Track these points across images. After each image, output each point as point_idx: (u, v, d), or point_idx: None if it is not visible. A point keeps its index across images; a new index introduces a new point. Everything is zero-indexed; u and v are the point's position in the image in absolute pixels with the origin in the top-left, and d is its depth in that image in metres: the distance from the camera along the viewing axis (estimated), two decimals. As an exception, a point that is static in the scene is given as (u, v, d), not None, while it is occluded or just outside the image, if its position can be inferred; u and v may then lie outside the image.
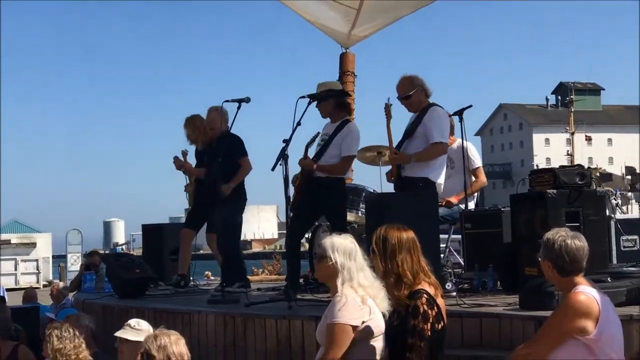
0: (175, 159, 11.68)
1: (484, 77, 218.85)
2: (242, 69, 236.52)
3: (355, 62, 16.67)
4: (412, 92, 9.29)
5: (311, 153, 10.03)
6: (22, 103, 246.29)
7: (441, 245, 9.62)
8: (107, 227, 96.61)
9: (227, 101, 9.94)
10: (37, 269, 50.83)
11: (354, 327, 5.87)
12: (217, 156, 9.99)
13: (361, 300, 5.89)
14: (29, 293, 15.48)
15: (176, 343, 6.07)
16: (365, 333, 5.92)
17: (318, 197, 9.71)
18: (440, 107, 9.39)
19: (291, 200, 9.41)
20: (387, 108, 9.26)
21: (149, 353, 6.13)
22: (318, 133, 10.06)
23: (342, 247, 6.01)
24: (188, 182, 12.03)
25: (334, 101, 9.94)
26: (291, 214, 9.51)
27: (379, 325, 5.95)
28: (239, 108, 9.92)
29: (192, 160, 11.81)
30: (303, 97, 9.55)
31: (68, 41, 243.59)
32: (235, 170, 10.63)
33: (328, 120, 10.09)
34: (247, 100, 9.73)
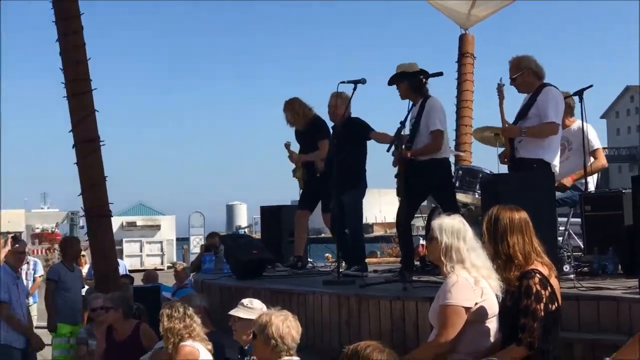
0: (289, 152, 11.79)
1: (610, 58, 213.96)
2: (361, 52, 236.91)
3: (474, 44, 16.50)
4: (517, 75, 9.15)
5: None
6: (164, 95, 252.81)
7: (560, 228, 9.46)
8: (230, 210, 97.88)
9: (342, 82, 9.94)
10: (162, 250, 51.85)
11: (467, 309, 5.82)
12: (342, 140, 10.06)
13: (474, 281, 5.84)
14: (150, 274, 15.83)
15: (288, 322, 6.13)
16: (479, 315, 5.86)
17: (422, 179, 9.64)
18: (555, 87, 9.18)
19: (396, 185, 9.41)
20: (500, 88, 9.13)
21: (260, 331, 6.22)
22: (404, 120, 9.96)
23: (450, 227, 5.96)
24: (295, 166, 12.11)
25: (408, 83, 9.86)
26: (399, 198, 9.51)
27: (492, 307, 5.89)
28: (354, 89, 9.95)
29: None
30: (343, 82, 9.83)
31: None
32: (357, 154, 10.61)
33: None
34: (363, 81, 9.72)
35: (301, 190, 12.04)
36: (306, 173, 11.77)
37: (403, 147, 9.56)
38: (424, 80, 9.59)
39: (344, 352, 5.13)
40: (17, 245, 10.46)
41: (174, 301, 8.37)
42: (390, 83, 9.97)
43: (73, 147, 11.31)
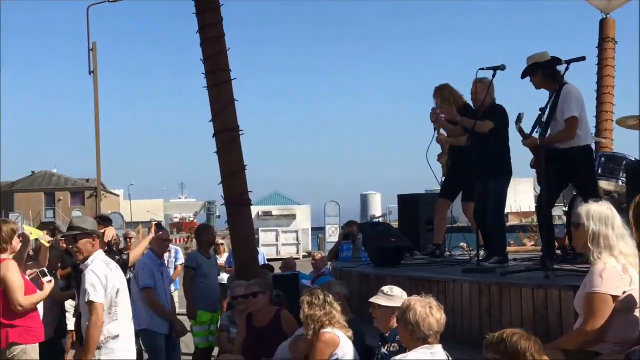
0: (438, 134, 11.62)
1: None
2: (499, 40, 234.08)
3: (615, 28, 16.09)
4: None
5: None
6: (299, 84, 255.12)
7: None
8: (364, 200, 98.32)
9: (482, 69, 9.81)
10: (297, 240, 52.40)
11: (615, 297, 5.69)
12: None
13: (622, 269, 5.70)
14: (288, 262, 15.98)
15: (428, 309, 6.11)
16: (627, 304, 5.72)
17: (563, 167, 9.44)
18: None
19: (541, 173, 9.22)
20: None
21: (401, 316, 6.23)
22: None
23: (597, 214, 5.83)
24: (442, 151, 11.99)
25: (542, 73, 9.63)
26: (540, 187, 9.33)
27: (641, 296, 5.74)
28: (494, 76, 9.82)
29: None
30: (483, 68, 9.71)
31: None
32: (501, 142, 10.44)
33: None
34: (503, 67, 9.58)
35: (443, 178, 11.91)
36: (450, 161, 11.64)
37: (538, 134, 9.41)
38: (567, 66, 9.35)
39: (488, 339, 5.07)
40: (161, 232, 10.69)
41: (314, 288, 8.43)
42: (523, 76, 9.79)
43: (213, 137, 11.51)
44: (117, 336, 7.59)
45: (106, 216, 13.39)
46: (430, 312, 6.10)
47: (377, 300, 7.35)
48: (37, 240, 9.39)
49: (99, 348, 7.55)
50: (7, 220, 8.89)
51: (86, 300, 7.50)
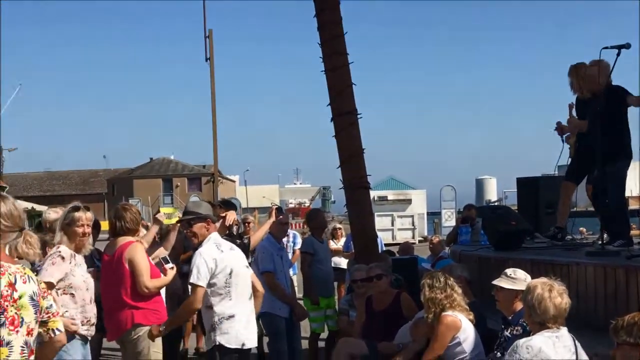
0: (569, 115, 11.35)
1: None
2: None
3: None
4: None
5: None
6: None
7: None
8: (480, 184, 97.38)
9: (605, 48, 9.55)
10: (413, 224, 52.12)
11: None
12: (605, 109, 9.70)
13: None
14: (405, 246, 15.95)
15: (548, 292, 6.02)
16: None
17: None
18: None
19: None
20: None
21: (523, 298, 6.16)
22: None
23: None
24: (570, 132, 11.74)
25: None
26: None
27: None
28: (618, 55, 9.53)
29: None
30: (607, 47, 9.26)
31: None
32: (621, 124, 10.17)
33: None
34: (628, 46, 9.30)
35: (569, 159, 11.62)
36: (578, 144, 11.34)
37: None
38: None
39: (617, 322, 4.99)
40: (281, 216, 10.76)
41: (435, 271, 8.40)
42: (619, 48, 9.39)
43: (331, 120, 11.54)
44: (231, 316, 7.67)
45: (229, 200, 13.55)
46: (549, 295, 6.01)
47: (500, 282, 7.28)
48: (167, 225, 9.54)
49: (213, 329, 7.66)
50: (131, 205, 9.09)
51: (189, 281, 7.65)
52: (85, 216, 8.06)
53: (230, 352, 7.70)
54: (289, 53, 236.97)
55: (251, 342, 7.90)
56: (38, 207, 38.09)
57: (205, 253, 7.62)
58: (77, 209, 8.08)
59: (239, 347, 7.73)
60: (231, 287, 7.68)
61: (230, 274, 7.67)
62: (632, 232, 13.66)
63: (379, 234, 25.18)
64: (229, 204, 11.10)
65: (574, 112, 11.16)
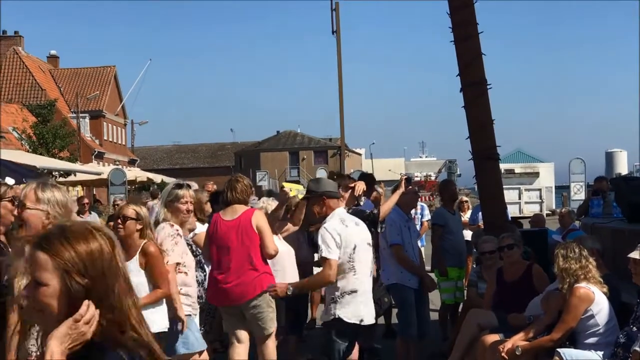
0: None
1: None
2: None
3: None
4: None
5: None
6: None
7: None
8: (609, 158, 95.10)
9: None
10: (540, 198, 51.37)
11: None
12: None
13: None
14: (537, 218, 15.77)
15: None
16: None
17: None
18: None
19: None
20: None
21: None
22: None
23: None
24: None
25: None
26: None
27: None
28: None
29: None
30: None
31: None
32: None
33: None
34: None
35: None
36: None
37: None
38: None
39: None
40: (410, 187, 10.77)
41: (569, 242, 8.27)
42: None
43: (460, 91, 11.44)
44: (354, 291, 7.72)
45: (368, 174, 13.55)
46: None
47: (637, 255, 7.12)
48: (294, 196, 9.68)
49: (334, 302, 7.72)
50: (244, 177, 9.27)
51: (320, 256, 7.72)
52: (188, 193, 8.31)
53: (349, 326, 7.78)
54: (416, 25, 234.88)
55: (369, 319, 7.94)
56: (167, 179, 38.96)
57: (330, 228, 7.68)
58: (180, 186, 8.33)
59: (357, 322, 7.79)
60: (355, 262, 7.73)
61: (354, 249, 7.71)
62: None
63: (508, 207, 24.93)
64: (366, 177, 11.19)
65: None
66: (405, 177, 10.84)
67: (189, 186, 8.51)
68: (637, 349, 5.87)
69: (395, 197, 10.46)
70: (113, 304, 2.78)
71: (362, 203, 10.45)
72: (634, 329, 6.89)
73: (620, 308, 7.82)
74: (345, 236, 7.64)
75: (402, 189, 10.45)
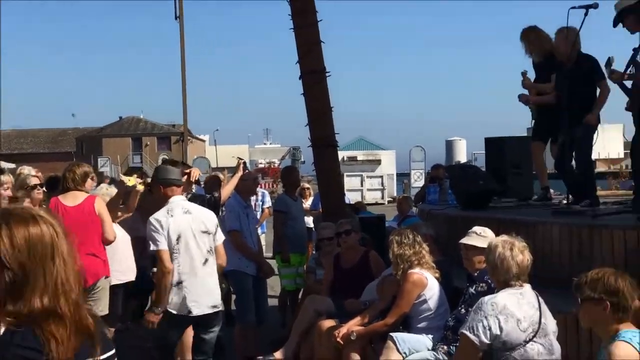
0: (524, 78, 11.48)
1: None
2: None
3: None
4: None
5: None
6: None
7: None
8: (449, 146, 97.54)
9: (573, 8, 9.56)
10: (382, 185, 52.31)
11: None
12: (573, 73, 9.76)
13: None
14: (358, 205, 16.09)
15: (509, 250, 6.08)
16: None
17: None
18: None
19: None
20: None
21: (486, 256, 6.22)
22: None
23: None
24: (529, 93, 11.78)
25: (633, 15, 9.31)
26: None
27: None
28: (586, 14, 9.55)
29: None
30: (575, 7, 9.33)
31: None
32: (594, 95, 10.21)
33: None
34: (595, 6, 9.31)
35: (533, 121, 11.71)
36: (539, 113, 11.42)
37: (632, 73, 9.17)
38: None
39: (581, 278, 5.04)
40: (247, 171, 10.76)
41: (403, 229, 8.43)
42: (615, 24, 9.48)
43: (299, 79, 11.51)
44: (179, 282, 7.69)
45: (172, 160, 13.47)
46: (510, 253, 6.08)
47: (467, 240, 7.32)
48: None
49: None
50: (82, 164, 9.21)
51: (150, 249, 7.69)
52: (9, 179, 8.23)
53: (178, 318, 7.74)
54: (260, 10, 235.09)
55: (200, 309, 7.89)
56: (5, 165, 37.80)
57: (153, 220, 7.70)
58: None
59: (185, 314, 7.76)
60: (179, 254, 7.69)
61: (177, 239, 7.67)
62: (599, 193, 13.76)
63: (349, 194, 25.18)
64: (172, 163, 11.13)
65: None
66: (242, 161, 10.80)
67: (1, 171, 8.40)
68: (463, 331, 6.03)
69: (234, 180, 10.45)
70: (46, 288, 2.80)
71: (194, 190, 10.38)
72: (463, 311, 7.08)
73: (453, 292, 8.01)
74: (167, 227, 7.60)
75: (239, 173, 10.45)
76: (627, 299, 4.90)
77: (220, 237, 8.20)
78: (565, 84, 9.78)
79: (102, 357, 2.84)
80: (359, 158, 64.33)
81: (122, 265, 9.23)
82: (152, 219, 7.68)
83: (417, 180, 41.78)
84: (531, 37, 11.18)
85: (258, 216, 15.19)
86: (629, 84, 9.26)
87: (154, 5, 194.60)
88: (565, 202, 9.78)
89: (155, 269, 8.21)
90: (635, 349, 4.81)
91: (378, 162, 63.64)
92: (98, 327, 2.88)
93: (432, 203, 13.13)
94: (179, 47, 41.14)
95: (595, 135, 10.19)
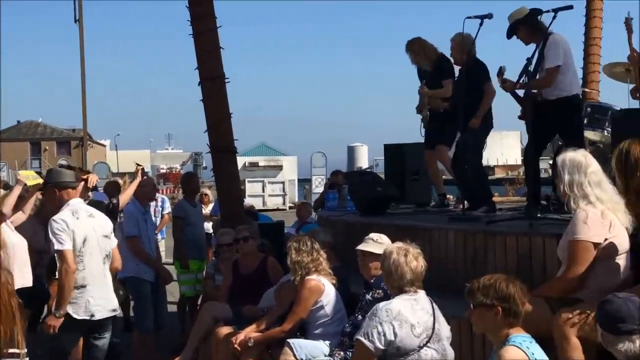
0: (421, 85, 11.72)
1: None
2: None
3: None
4: None
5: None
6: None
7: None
8: (351, 152, 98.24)
9: (469, 17, 9.76)
10: (284, 191, 52.40)
11: (596, 245, 5.75)
12: (466, 80, 9.98)
13: (601, 214, 5.74)
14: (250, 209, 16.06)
15: (404, 257, 6.16)
16: (608, 251, 5.77)
17: (550, 117, 9.43)
18: None
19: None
20: (627, 22, 8.83)
21: (381, 263, 6.28)
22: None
23: (571, 161, 5.92)
24: (421, 103, 11.94)
25: (525, 28, 9.59)
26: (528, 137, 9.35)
27: (622, 243, 5.79)
28: (481, 24, 9.77)
29: None
30: (470, 17, 9.59)
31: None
32: (480, 98, 10.42)
33: None
34: (490, 16, 9.53)
35: (424, 130, 11.90)
36: (429, 114, 11.66)
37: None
38: (554, 15, 9.25)
39: (473, 285, 5.12)
40: (145, 177, 10.68)
41: (301, 235, 8.45)
42: (509, 36, 9.73)
43: (199, 84, 11.46)
44: (83, 286, 7.57)
45: (68, 165, 13.35)
46: (405, 259, 6.15)
47: (363, 247, 7.37)
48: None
49: None
50: None
51: (54, 249, 7.54)
52: None
53: (78, 322, 7.63)
54: (162, 12, 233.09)
55: (102, 313, 7.76)
56: None
57: (59, 219, 7.52)
58: None
59: (88, 318, 7.65)
60: (84, 257, 7.57)
61: (83, 242, 7.57)
62: (496, 199, 14.03)
63: (250, 200, 25.13)
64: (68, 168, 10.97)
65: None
66: (141, 167, 10.72)
67: None
68: (358, 337, 6.08)
69: (134, 186, 10.38)
70: None
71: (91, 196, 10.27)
72: (360, 318, 7.11)
73: (350, 299, 8.06)
74: (73, 228, 7.47)
75: (138, 179, 10.38)
76: (517, 304, 5.00)
77: (115, 240, 8.12)
78: (459, 88, 10.00)
79: None
80: (260, 164, 64.26)
81: (19, 271, 9.02)
82: (57, 218, 7.50)
83: (318, 186, 41.91)
84: (415, 47, 11.45)
85: (158, 222, 15.11)
86: (521, 92, 9.49)
87: (53, 5, 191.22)
88: (461, 208, 9.93)
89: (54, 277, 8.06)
90: (525, 352, 4.92)
91: (280, 167, 63.65)
92: None
93: (331, 209, 13.18)
94: (79, 49, 40.57)
95: (484, 141, 10.42)
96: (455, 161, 10.66)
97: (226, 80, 11.45)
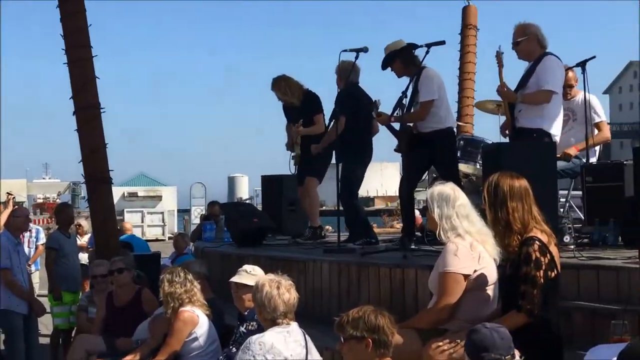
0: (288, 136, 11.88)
1: (613, 34, 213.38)
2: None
3: (477, 16, 16.49)
4: (521, 40, 9.06)
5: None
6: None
7: (561, 200, 9.43)
8: (232, 182, 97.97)
9: (345, 51, 9.92)
10: (163, 221, 51.93)
11: (466, 276, 5.85)
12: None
13: (470, 246, 5.87)
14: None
15: (277, 289, 6.18)
16: (478, 282, 5.89)
17: (424, 150, 9.64)
18: (556, 56, 9.11)
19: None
20: (498, 56, 9.09)
21: (253, 295, 6.29)
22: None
23: (439, 195, 6.03)
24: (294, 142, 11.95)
25: (399, 60, 9.85)
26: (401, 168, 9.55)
27: (491, 274, 5.91)
28: (356, 58, 9.96)
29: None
30: (346, 50, 9.85)
31: None
32: (352, 125, 10.54)
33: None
34: (365, 49, 9.72)
35: (297, 167, 11.91)
36: (302, 151, 11.67)
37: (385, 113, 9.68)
38: (427, 50, 9.47)
39: (342, 318, 5.16)
40: (16, 207, 10.49)
41: (175, 267, 8.40)
42: (384, 67, 9.96)
43: (74, 114, 11.30)
44: None
45: None
46: (277, 292, 6.17)
47: (237, 279, 7.36)
48: None
49: None
50: None
51: None
52: None
53: None
54: (41, 41, 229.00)
55: None
56: None
57: None
58: None
59: None
60: None
61: None
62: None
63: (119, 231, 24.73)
64: None
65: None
66: (12, 197, 10.53)
67: None
68: (231, 370, 6.08)
69: (4, 215, 10.22)
70: None
71: None
72: (234, 350, 7.09)
73: (225, 330, 8.04)
74: None
75: (9, 209, 10.22)
76: (387, 335, 5.06)
77: None
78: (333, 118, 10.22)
79: None
80: (139, 194, 63.55)
81: None
82: None
83: (197, 217, 41.71)
84: (281, 85, 11.57)
85: (32, 253, 14.79)
86: (397, 125, 9.67)
87: None
88: (339, 240, 9.99)
89: None
90: None
91: (159, 198, 63.10)
92: None
93: (208, 240, 13.14)
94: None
95: (360, 173, 10.58)
96: (339, 194, 10.77)
97: (102, 110, 11.33)
